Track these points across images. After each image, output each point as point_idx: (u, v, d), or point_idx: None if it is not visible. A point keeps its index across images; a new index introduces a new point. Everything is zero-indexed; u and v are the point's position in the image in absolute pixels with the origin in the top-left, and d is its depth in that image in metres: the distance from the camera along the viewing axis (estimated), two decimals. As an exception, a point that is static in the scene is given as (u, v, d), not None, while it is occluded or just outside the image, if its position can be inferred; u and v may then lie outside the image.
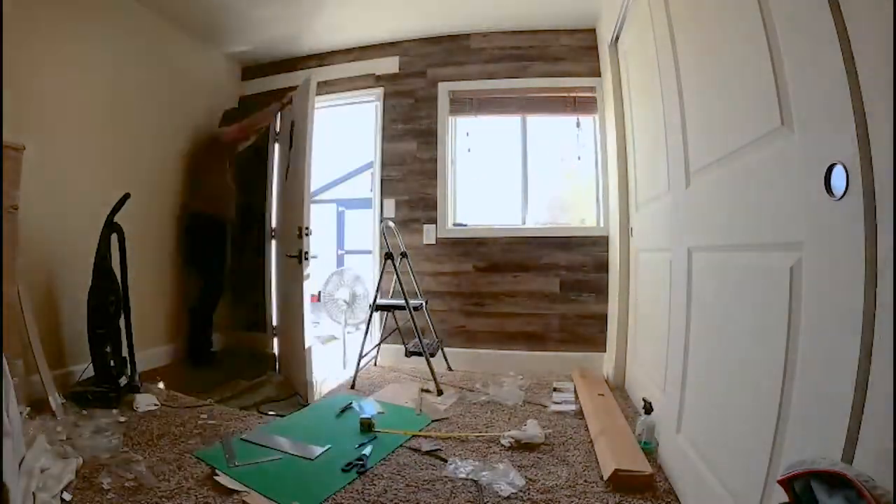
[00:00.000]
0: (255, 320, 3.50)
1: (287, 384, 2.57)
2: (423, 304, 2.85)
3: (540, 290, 2.99)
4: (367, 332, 2.78)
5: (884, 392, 0.64)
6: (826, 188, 0.75)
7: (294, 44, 3.33)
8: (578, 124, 3.06)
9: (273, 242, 3.39)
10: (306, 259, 2.35)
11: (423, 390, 2.47)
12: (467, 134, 3.22)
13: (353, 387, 2.57)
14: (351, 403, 2.19)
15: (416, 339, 2.56)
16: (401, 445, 1.78)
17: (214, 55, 3.37)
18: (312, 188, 2.50)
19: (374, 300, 2.74)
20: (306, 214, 2.36)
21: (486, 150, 3.26)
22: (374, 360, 3.05)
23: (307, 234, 2.35)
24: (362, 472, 1.55)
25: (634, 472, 1.45)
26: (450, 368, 2.93)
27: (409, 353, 2.58)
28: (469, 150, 3.23)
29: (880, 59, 0.64)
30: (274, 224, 3.39)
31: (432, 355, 2.58)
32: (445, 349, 2.96)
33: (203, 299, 3.05)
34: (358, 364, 2.65)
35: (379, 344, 2.96)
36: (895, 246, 0.62)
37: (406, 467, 1.60)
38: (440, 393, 2.41)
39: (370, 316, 2.79)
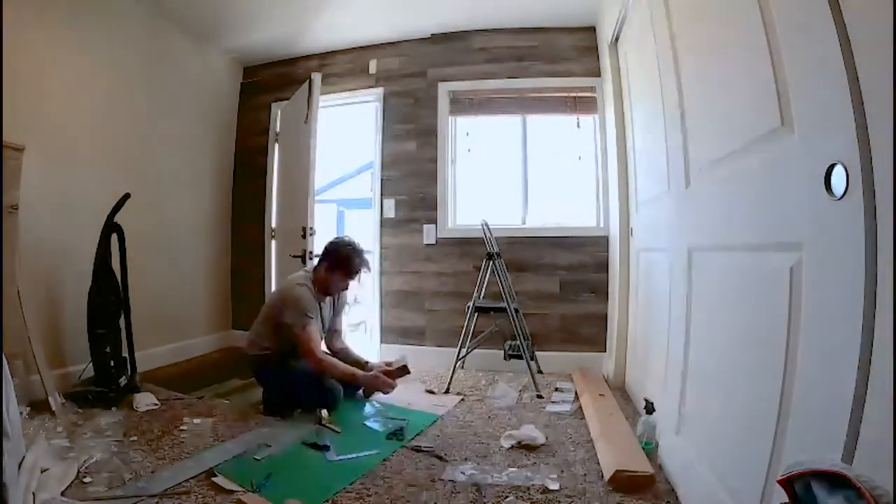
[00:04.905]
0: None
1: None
2: (515, 308, 2.64)
3: (540, 290, 2.99)
4: (463, 334, 2.60)
5: (884, 392, 0.64)
6: (826, 188, 0.75)
7: (294, 43, 3.33)
8: (578, 124, 3.06)
9: (273, 242, 3.39)
10: (310, 259, 2.35)
11: (427, 391, 2.47)
12: (467, 134, 3.22)
13: (447, 391, 2.45)
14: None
15: (517, 342, 2.54)
16: (401, 445, 1.78)
17: (214, 54, 3.37)
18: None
19: (473, 301, 2.60)
20: (310, 215, 2.36)
21: (486, 150, 3.25)
22: (461, 363, 2.68)
23: (311, 235, 2.35)
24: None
25: (636, 473, 1.45)
26: (540, 371, 2.73)
27: (507, 357, 2.61)
28: (469, 150, 3.22)
29: (880, 59, 0.64)
30: (274, 224, 3.39)
31: (532, 358, 2.57)
32: (445, 348, 2.95)
33: None
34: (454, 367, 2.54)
35: (476, 346, 2.72)
36: (895, 246, 0.62)
37: (406, 467, 1.60)
38: (540, 397, 2.33)
39: (468, 317, 2.62)
